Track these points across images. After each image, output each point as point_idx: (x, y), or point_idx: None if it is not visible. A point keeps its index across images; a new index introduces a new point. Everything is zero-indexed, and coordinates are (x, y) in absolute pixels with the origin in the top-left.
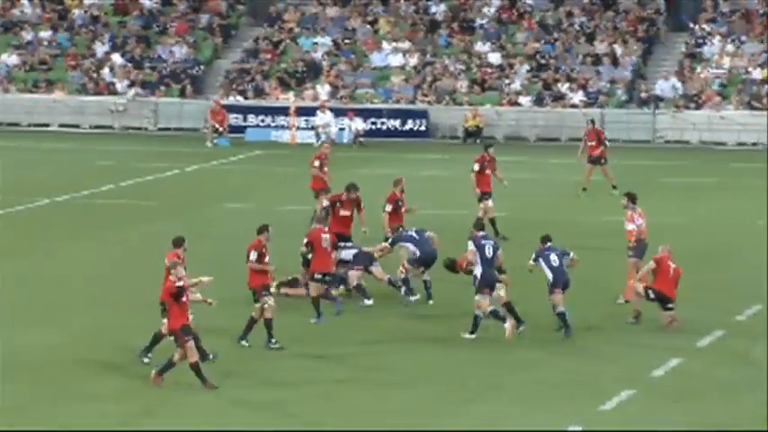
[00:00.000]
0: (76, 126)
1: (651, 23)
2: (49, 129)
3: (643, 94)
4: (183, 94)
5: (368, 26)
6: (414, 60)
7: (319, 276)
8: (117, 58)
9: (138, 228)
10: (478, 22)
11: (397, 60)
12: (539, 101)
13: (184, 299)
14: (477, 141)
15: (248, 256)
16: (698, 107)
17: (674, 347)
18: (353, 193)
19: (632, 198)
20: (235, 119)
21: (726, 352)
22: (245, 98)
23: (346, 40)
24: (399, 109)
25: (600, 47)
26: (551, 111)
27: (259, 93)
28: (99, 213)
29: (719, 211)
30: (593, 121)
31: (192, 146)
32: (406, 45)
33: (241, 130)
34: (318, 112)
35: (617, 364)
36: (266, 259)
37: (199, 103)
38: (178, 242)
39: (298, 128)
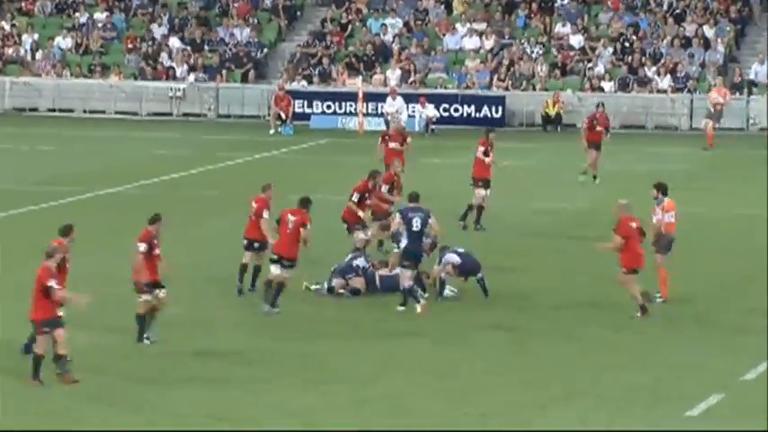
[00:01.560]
0: (134, 113)
1: (744, 3)
2: (105, 115)
3: (736, 79)
4: (245, 78)
5: (441, 6)
6: (490, 43)
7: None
8: (175, 41)
9: (198, 219)
10: (559, 2)
11: (471, 43)
12: (623, 86)
13: (55, 297)
14: (558, 129)
15: (138, 248)
16: None
17: (765, 351)
18: (377, 180)
19: (662, 189)
20: (300, 105)
21: None
22: (311, 83)
23: (418, 22)
24: (474, 95)
25: (689, 28)
26: (637, 96)
27: (325, 78)
28: (156, 204)
29: None
30: (603, 105)
31: (254, 134)
32: (481, 27)
33: (306, 117)
34: (388, 98)
35: (703, 368)
36: (157, 251)
37: (262, 88)
38: (66, 231)
39: (366, 115)
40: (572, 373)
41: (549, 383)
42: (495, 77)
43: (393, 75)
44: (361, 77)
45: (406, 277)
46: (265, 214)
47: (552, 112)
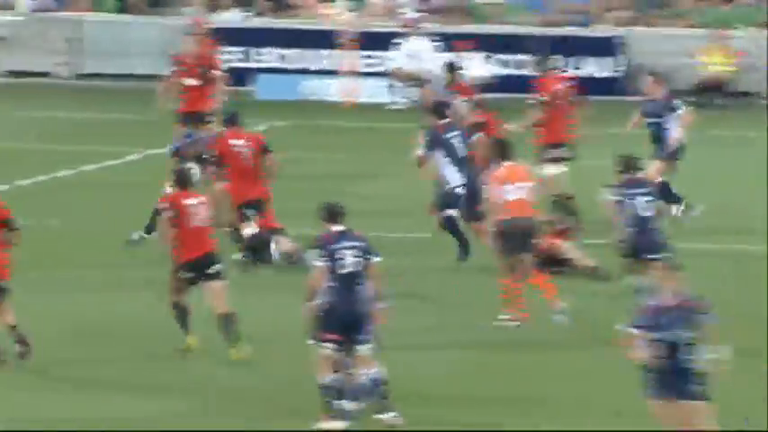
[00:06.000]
0: None
1: None
2: None
3: None
4: None
5: None
6: None
7: None
8: None
9: None
10: None
11: None
12: None
13: None
14: None
15: None
16: None
17: None
18: None
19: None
20: (235, 57)
21: None
22: (257, 14)
23: None
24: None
25: None
26: None
27: (281, 4)
28: None
29: None
30: None
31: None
32: None
33: (243, 78)
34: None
35: None
36: None
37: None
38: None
39: (359, 74)
40: None
41: None
42: None
43: None
44: (347, 2)
45: None
46: None
47: None
